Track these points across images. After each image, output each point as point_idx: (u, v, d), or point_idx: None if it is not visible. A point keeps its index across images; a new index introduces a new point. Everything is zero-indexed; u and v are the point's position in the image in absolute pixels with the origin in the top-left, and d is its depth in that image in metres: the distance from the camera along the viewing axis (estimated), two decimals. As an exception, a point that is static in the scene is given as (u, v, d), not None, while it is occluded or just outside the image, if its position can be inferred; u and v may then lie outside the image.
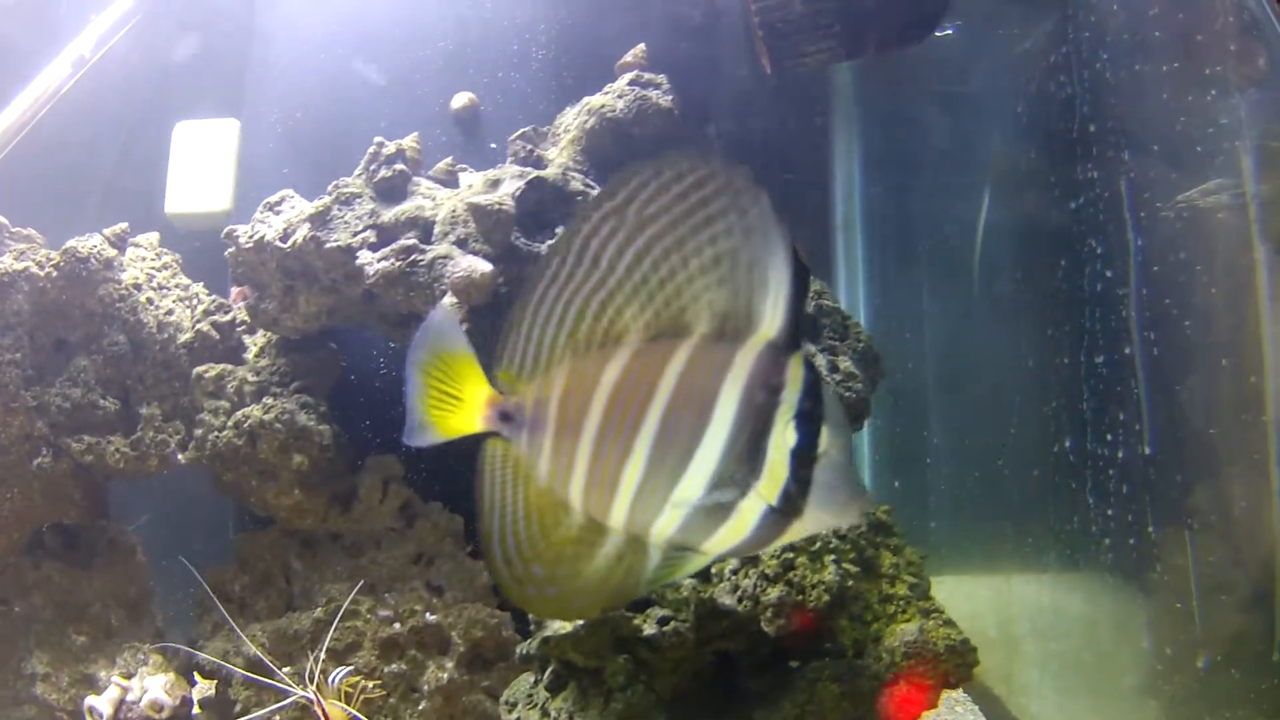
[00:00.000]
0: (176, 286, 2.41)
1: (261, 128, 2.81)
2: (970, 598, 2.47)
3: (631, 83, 2.18)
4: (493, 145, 2.55)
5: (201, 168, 2.95)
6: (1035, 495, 2.30)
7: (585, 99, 2.22)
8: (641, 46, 2.26)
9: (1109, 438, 2.07)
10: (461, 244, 2.00)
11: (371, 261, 2.03)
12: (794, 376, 1.00)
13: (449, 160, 2.25)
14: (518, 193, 1.98)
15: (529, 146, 2.17)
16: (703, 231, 1.01)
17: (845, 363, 2.10)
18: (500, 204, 1.92)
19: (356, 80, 2.74)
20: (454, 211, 2.01)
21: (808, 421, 1.00)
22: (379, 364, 2.50)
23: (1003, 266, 2.44)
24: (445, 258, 1.97)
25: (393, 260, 2.01)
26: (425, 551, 2.26)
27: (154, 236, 2.54)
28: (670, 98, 2.17)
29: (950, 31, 2.79)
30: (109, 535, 2.36)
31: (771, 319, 1.00)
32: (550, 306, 1.08)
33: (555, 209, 2.01)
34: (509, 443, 1.12)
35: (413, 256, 2.01)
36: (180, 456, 2.27)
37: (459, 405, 1.12)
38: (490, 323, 1.92)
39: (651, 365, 1.03)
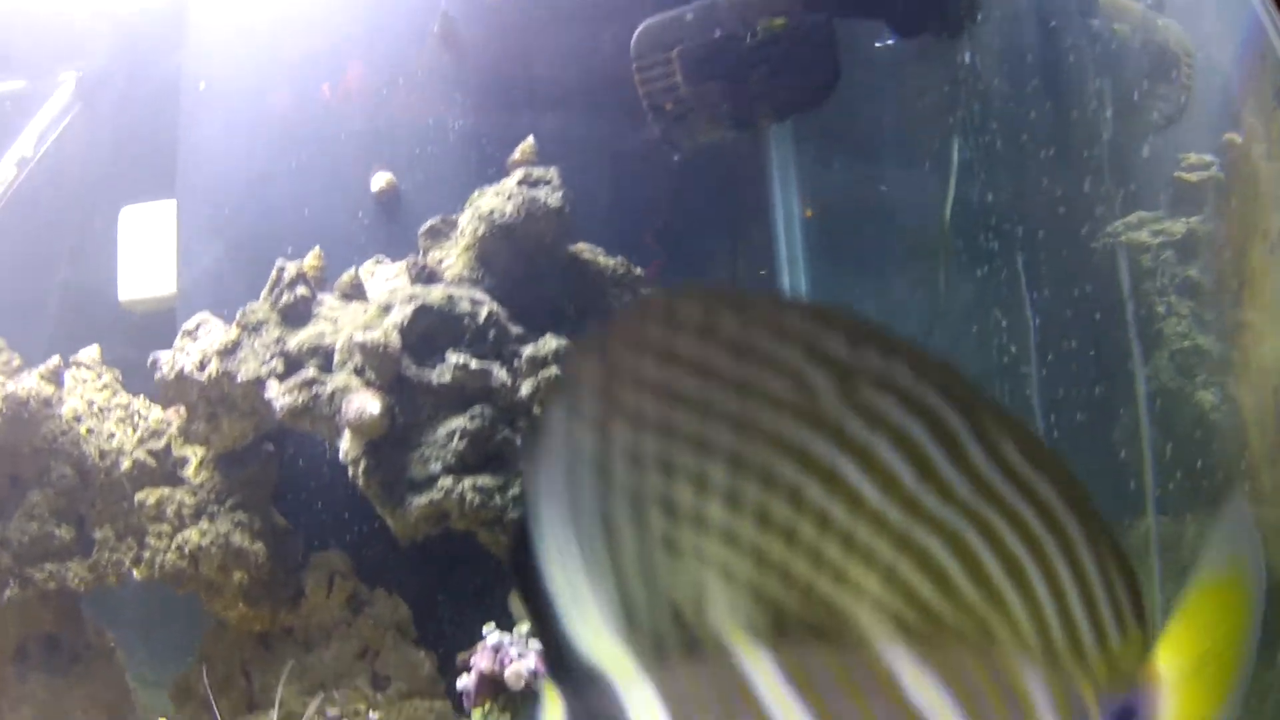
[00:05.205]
0: (117, 407, 2.50)
1: (196, 214, 2.85)
2: None
3: (520, 182, 2.17)
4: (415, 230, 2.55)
5: (147, 253, 3.02)
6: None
7: (475, 199, 2.21)
8: (530, 141, 2.23)
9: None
10: (359, 372, 2.05)
11: (278, 395, 2.09)
12: None
13: (352, 273, 2.28)
14: (404, 323, 2.01)
15: (422, 263, 2.18)
16: None
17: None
18: (385, 342, 1.96)
19: (279, 165, 2.75)
20: (350, 340, 2.06)
21: None
22: (321, 454, 2.58)
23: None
24: (344, 389, 2.03)
25: (296, 394, 2.07)
26: (370, 646, 2.37)
27: (95, 351, 2.62)
28: (560, 194, 2.15)
29: (891, 42, 2.69)
30: (85, 639, 2.53)
31: None
32: None
33: (443, 332, 2.04)
34: None
35: (315, 390, 2.07)
36: (135, 573, 2.39)
37: None
38: (388, 453, 1.98)
39: None
